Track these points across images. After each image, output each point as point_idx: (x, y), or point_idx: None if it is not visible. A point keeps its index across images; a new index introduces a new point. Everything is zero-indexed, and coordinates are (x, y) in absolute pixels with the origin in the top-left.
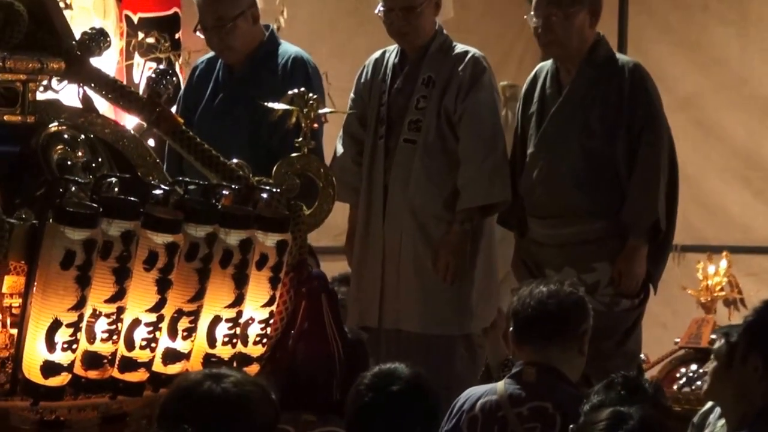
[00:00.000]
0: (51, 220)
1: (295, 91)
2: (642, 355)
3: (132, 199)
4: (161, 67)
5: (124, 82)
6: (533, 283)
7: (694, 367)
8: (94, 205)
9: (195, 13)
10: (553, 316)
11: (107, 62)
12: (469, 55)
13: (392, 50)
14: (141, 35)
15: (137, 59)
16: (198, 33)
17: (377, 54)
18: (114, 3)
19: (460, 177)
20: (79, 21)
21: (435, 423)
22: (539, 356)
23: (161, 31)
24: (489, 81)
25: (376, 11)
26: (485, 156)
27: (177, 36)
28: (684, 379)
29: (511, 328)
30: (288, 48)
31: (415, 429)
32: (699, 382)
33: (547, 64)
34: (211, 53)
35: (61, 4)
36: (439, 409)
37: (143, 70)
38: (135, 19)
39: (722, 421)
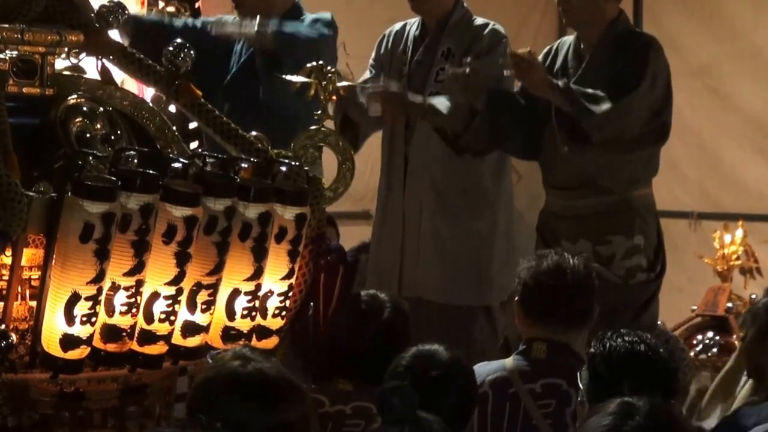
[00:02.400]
0: (69, 194)
1: (314, 64)
2: (659, 322)
3: (151, 172)
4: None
5: None
6: (545, 255)
7: (710, 334)
8: (113, 178)
9: None
10: (567, 293)
11: None
12: (489, 27)
13: (413, 22)
14: (162, 4)
15: None
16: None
17: (398, 26)
18: None
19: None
20: None
21: (471, 406)
22: (549, 332)
23: (182, 1)
24: (505, 50)
25: None
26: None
27: (197, 5)
28: (700, 346)
29: (517, 298)
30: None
31: (452, 412)
32: (715, 349)
33: (570, 38)
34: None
35: None
36: (476, 392)
37: None
38: None
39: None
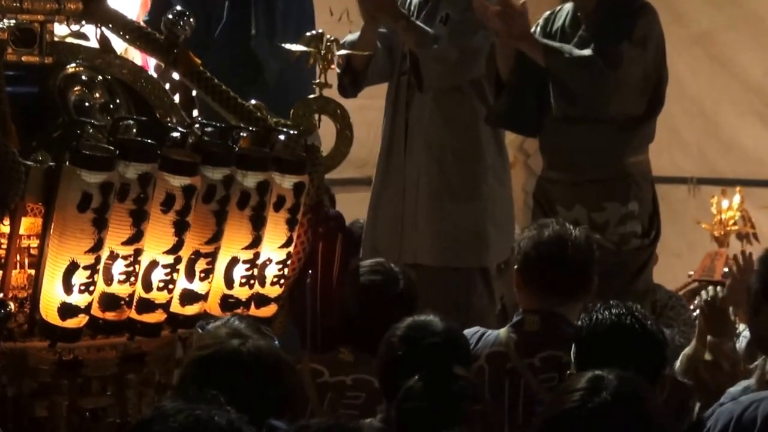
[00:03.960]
0: (68, 163)
1: (313, 32)
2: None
3: (149, 141)
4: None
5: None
6: (546, 225)
7: None
8: (111, 147)
9: None
10: (568, 265)
11: None
12: None
13: None
14: None
15: None
16: None
17: None
18: None
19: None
20: None
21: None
22: (546, 303)
23: None
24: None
25: None
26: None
27: None
28: (697, 311)
29: (516, 267)
30: None
31: (446, 382)
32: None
33: (569, 5)
34: None
35: None
36: (470, 361)
37: None
38: None
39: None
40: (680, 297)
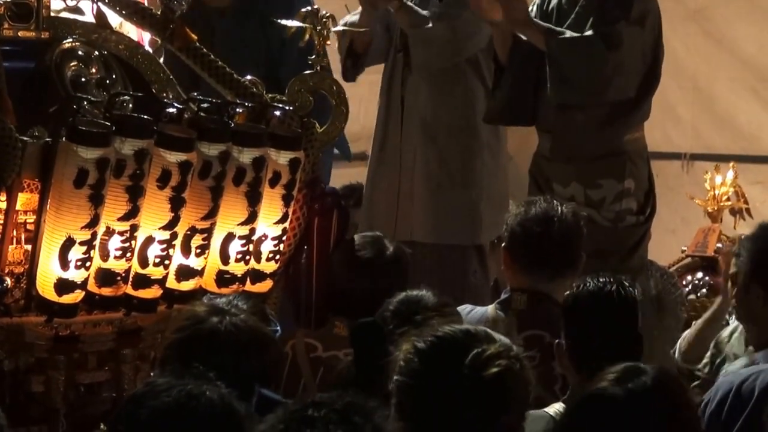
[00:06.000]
0: (64, 139)
1: (309, 8)
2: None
3: (145, 117)
4: None
5: None
6: (533, 202)
7: (699, 274)
8: (107, 123)
9: None
10: (554, 241)
11: None
12: None
13: None
14: None
15: None
16: None
17: None
18: None
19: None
20: None
21: None
22: (533, 281)
23: None
24: None
25: None
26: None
27: None
28: (690, 287)
29: (503, 245)
30: None
31: None
32: (704, 290)
33: None
34: None
35: None
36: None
37: None
38: None
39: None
40: (672, 275)
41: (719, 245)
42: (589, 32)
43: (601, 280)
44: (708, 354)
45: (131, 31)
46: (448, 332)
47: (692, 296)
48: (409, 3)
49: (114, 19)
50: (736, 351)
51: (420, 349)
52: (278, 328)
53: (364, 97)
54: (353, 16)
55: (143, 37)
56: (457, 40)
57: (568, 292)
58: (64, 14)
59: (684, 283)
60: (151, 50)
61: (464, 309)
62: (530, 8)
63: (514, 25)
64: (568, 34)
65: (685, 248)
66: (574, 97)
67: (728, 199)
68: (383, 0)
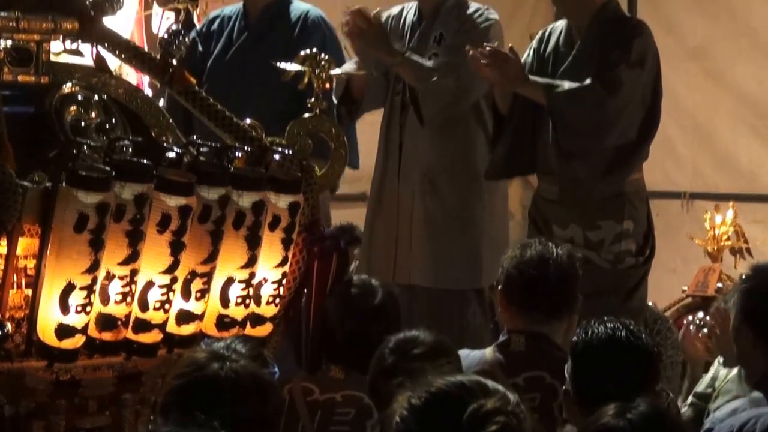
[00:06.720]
0: (64, 184)
1: (308, 51)
2: (650, 303)
3: (145, 161)
4: (174, 28)
5: (144, 32)
6: (529, 245)
7: (700, 314)
8: (107, 168)
9: None
10: (550, 283)
11: (126, 13)
12: (480, 11)
13: (410, 7)
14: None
15: (156, 9)
16: None
17: (395, 10)
18: None
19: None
20: None
21: None
22: (530, 323)
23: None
24: (487, 29)
25: None
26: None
27: None
28: (691, 327)
29: (500, 288)
30: (299, 4)
31: None
32: (705, 330)
33: (562, 22)
34: (228, 7)
35: None
36: (460, 371)
37: (161, 20)
38: None
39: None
40: (666, 319)
41: (719, 285)
42: (588, 81)
43: (609, 325)
44: (704, 384)
45: (130, 72)
46: (443, 387)
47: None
48: (411, 57)
49: (113, 60)
50: (730, 387)
51: (415, 407)
52: (276, 370)
53: (363, 137)
54: (351, 64)
55: (143, 79)
56: (464, 89)
57: (575, 339)
58: (64, 56)
59: (685, 323)
60: (151, 92)
61: (462, 353)
62: (527, 53)
63: (512, 83)
64: (567, 85)
65: (685, 288)
66: (578, 145)
67: (728, 239)
68: (386, 56)
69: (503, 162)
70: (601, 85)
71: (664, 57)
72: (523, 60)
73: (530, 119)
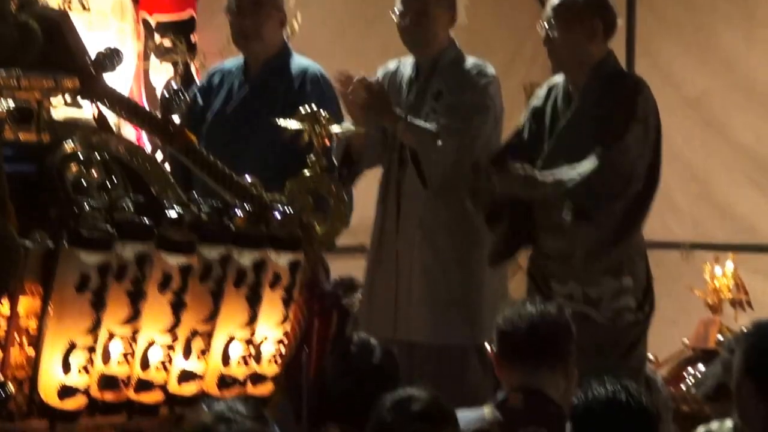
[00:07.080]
0: (66, 243)
1: (307, 109)
2: (650, 356)
3: (146, 221)
4: (173, 83)
5: (143, 85)
6: (522, 303)
7: (701, 367)
8: (109, 227)
9: (212, 14)
10: (542, 339)
11: (126, 65)
12: (479, 68)
13: (407, 62)
14: (158, 38)
15: (154, 61)
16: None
17: (392, 65)
18: (131, 5)
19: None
20: (96, 24)
21: None
22: (525, 379)
23: (177, 34)
24: (485, 87)
25: (393, 16)
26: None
27: (193, 39)
28: (691, 379)
29: (495, 350)
30: (299, 60)
31: None
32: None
33: (556, 79)
34: (228, 61)
35: (79, 7)
36: (458, 429)
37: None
38: (152, 22)
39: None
40: (656, 380)
41: (720, 337)
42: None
43: (609, 387)
44: None
45: (129, 125)
46: None
47: (693, 390)
48: (414, 122)
49: (111, 115)
50: None
51: None
52: (277, 430)
53: (361, 188)
54: (350, 123)
55: (142, 132)
56: (465, 150)
57: (575, 401)
58: (65, 110)
59: (685, 375)
60: (150, 146)
61: (460, 413)
62: (523, 115)
63: (524, 197)
64: (575, 172)
65: (686, 340)
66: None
67: (729, 291)
68: (390, 122)
69: (504, 243)
70: (606, 147)
71: (662, 107)
72: (521, 121)
73: (526, 216)
